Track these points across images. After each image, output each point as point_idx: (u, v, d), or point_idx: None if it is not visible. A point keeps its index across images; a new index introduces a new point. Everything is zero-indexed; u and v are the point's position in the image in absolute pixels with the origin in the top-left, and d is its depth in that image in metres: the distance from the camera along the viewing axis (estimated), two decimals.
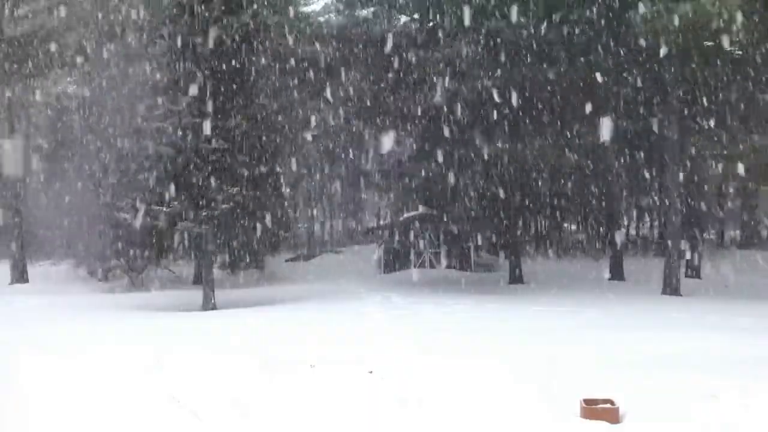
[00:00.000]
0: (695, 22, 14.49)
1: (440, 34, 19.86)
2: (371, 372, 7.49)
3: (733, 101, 18.26)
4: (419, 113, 20.39)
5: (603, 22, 17.81)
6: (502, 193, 20.19)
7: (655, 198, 29.48)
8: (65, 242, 24.05)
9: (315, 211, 35.35)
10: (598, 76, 17.63)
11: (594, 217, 31.16)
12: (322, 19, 28.24)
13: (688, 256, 19.74)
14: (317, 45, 22.14)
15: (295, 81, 21.92)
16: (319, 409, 6.07)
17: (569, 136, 19.25)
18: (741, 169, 16.39)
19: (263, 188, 16.36)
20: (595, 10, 17.76)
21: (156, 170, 16.03)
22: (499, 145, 18.88)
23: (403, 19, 25.79)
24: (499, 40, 19.14)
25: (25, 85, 23.39)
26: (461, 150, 19.80)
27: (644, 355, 8.62)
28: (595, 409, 5.56)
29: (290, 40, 20.33)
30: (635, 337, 10.16)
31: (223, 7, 16.06)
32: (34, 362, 8.42)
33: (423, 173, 22.08)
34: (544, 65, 18.47)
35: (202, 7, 15.95)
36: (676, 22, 14.62)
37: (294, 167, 21.34)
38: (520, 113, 19.28)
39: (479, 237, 25.14)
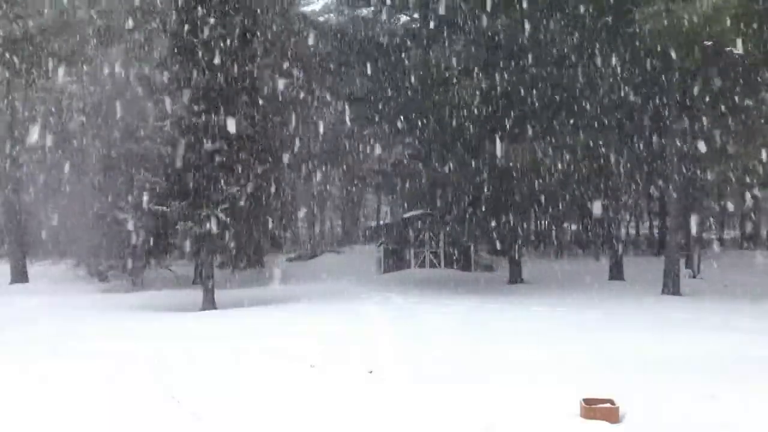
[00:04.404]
0: (696, 22, 14.47)
1: (441, 34, 19.87)
2: (371, 372, 7.49)
3: (734, 100, 18.25)
4: (420, 113, 20.38)
5: (604, 21, 17.80)
6: (502, 193, 20.18)
7: (655, 197, 29.50)
8: (65, 242, 24.03)
9: (315, 211, 35.36)
10: (599, 76, 17.64)
11: (594, 217, 31.14)
12: (322, 19, 28.30)
13: (687, 255, 19.74)
14: (318, 45, 22.15)
15: (295, 81, 21.91)
16: (318, 409, 6.07)
17: (570, 137, 19.25)
18: (741, 168, 16.41)
19: (263, 188, 16.35)
20: (595, 9, 17.75)
21: (156, 170, 16.03)
22: (499, 144, 18.88)
23: (403, 18, 25.83)
24: (499, 39, 19.15)
25: (25, 84, 23.39)
26: (461, 150, 19.79)
27: (644, 355, 8.62)
28: (595, 409, 5.57)
29: (290, 40, 20.33)
30: (635, 337, 10.18)
31: (223, 7, 16.05)
32: (34, 362, 8.43)
33: (423, 173, 22.09)
34: (545, 64, 18.46)
35: (202, 7, 15.95)
36: (677, 22, 14.62)
37: (294, 167, 21.32)
38: (521, 113, 19.28)
39: (479, 237, 25.13)
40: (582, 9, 17.45)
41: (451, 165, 19.87)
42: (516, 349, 9.08)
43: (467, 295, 18.03)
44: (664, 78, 18.07)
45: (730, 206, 25.97)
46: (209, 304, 16.24)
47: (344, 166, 33.51)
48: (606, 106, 18.95)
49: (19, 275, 23.84)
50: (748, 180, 17.78)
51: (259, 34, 16.91)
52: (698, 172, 19.91)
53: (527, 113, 19.24)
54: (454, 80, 18.71)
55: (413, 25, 24.03)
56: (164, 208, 15.49)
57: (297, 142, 20.97)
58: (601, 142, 18.89)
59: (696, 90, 17.40)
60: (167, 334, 11.01)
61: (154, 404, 6.24)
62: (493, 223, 19.77)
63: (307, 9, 29.78)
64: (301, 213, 30.45)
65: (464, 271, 25.57)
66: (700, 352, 8.71)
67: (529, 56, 18.44)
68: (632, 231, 39.00)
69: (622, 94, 18.36)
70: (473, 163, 19.35)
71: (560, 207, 21.94)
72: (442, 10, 17.97)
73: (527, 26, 17.92)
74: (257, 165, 16.14)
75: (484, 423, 5.53)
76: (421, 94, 19.80)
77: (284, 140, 18.77)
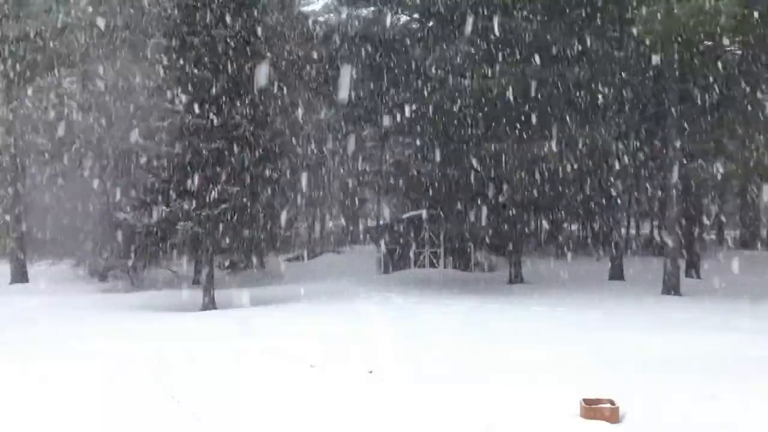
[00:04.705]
0: (695, 22, 14.47)
1: (441, 34, 19.88)
2: (371, 372, 7.49)
3: (733, 100, 18.25)
4: (420, 113, 20.38)
5: (603, 21, 17.81)
6: (502, 193, 20.18)
7: (655, 197, 29.50)
8: (65, 242, 24.02)
9: (315, 211, 35.33)
10: (598, 76, 17.63)
11: (594, 217, 31.16)
12: (322, 18, 28.31)
13: (687, 255, 19.72)
14: (317, 45, 22.15)
15: (296, 81, 21.92)
16: (318, 409, 6.07)
17: (570, 136, 19.24)
18: (741, 168, 16.42)
19: (263, 188, 16.34)
20: (594, 9, 17.77)
21: (156, 170, 16.01)
22: (499, 144, 18.88)
23: (403, 18, 25.85)
24: (499, 39, 19.14)
25: (25, 84, 23.37)
26: (462, 150, 19.78)
27: (644, 355, 8.63)
28: (595, 409, 5.57)
29: (291, 40, 20.32)
30: (635, 337, 10.18)
31: (223, 7, 16.05)
32: (34, 362, 8.43)
33: (423, 173, 22.07)
34: (545, 65, 18.46)
35: (203, 6, 15.96)
36: (676, 22, 14.61)
37: (294, 167, 21.30)
38: (520, 113, 19.27)
39: (479, 237, 25.10)
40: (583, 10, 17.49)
41: (451, 164, 19.86)
42: (516, 349, 9.08)
43: (467, 295, 18.02)
44: (662, 75, 18.08)
45: (730, 205, 26.00)
46: (209, 304, 16.24)
47: (344, 166, 33.48)
48: (606, 105, 18.95)
49: (19, 275, 23.82)
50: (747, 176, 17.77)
51: (259, 33, 16.89)
52: (698, 170, 19.90)
53: (527, 112, 19.22)
54: (454, 78, 18.71)
55: (413, 25, 24.06)
56: (164, 208, 15.49)
57: (297, 141, 20.96)
58: (601, 141, 18.87)
59: (695, 88, 17.42)
60: (167, 334, 11.00)
61: (154, 404, 6.24)
62: (493, 223, 19.77)
63: (307, 9, 29.78)
64: (301, 213, 30.41)
65: (464, 271, 25.56)
66: (700, 352, 8.71)
67: (528, 56, 18.43)
68: (632, 231, 38.98)
69: (623, 93, 18.38)
70: (473, 162, 19.35)
71: (559, 207, 21.95)
72: (442, 10, 17.99)
73: (526, 26, 17.94)
74: (257, 165, 16.13)
75: (484, 423, 5.53)
76: (420, 92, 19.80)
77: (284, 140, 18.76)
